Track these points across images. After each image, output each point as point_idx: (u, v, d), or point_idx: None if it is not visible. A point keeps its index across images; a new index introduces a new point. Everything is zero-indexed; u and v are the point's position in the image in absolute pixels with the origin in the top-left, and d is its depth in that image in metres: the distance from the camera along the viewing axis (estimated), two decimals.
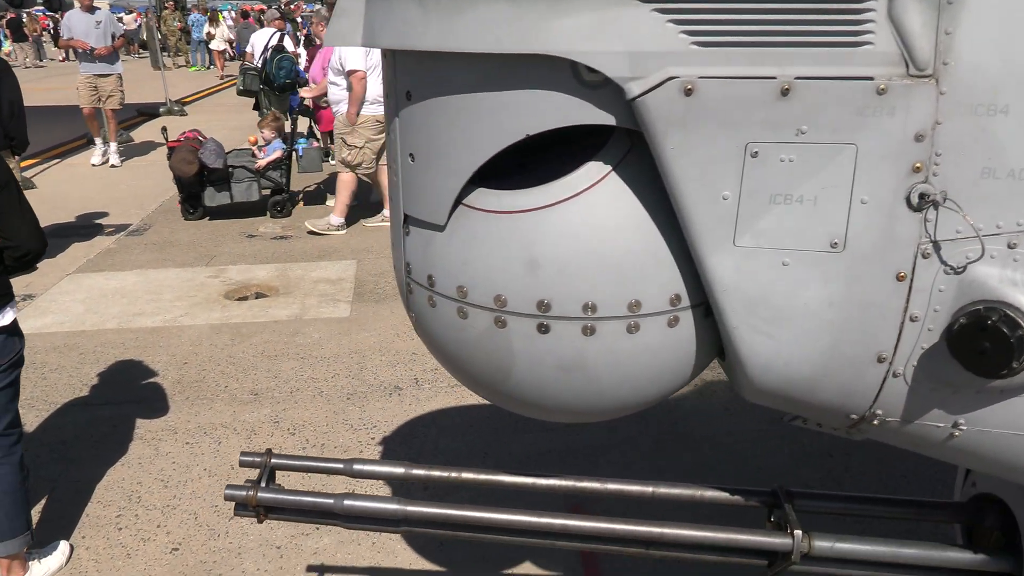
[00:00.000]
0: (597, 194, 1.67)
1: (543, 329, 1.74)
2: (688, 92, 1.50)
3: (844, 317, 1.65)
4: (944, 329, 1.60)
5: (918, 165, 1.52)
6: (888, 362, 1.68)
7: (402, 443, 4.84)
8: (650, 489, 2.40)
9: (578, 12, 1.49)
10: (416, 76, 1.72)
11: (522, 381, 1.83)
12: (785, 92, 1.49)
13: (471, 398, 5.33)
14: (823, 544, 2.20)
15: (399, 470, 2.38)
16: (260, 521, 2.33)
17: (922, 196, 1.53)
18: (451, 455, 4.71)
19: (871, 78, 1.48)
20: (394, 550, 3.94)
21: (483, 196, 1.74)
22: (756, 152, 1.54)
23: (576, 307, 1.70)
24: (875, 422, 1.80)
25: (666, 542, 2.28)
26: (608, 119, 1.60)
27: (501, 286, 1.73)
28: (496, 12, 1.52)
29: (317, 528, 4.06)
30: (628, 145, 1.69)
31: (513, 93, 1.60)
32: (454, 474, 2.37)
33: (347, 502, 2.24)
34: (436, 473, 2.38)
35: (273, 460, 2.37)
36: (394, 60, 1.78)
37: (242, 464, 2.39)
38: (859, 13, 1.46)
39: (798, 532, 2.19)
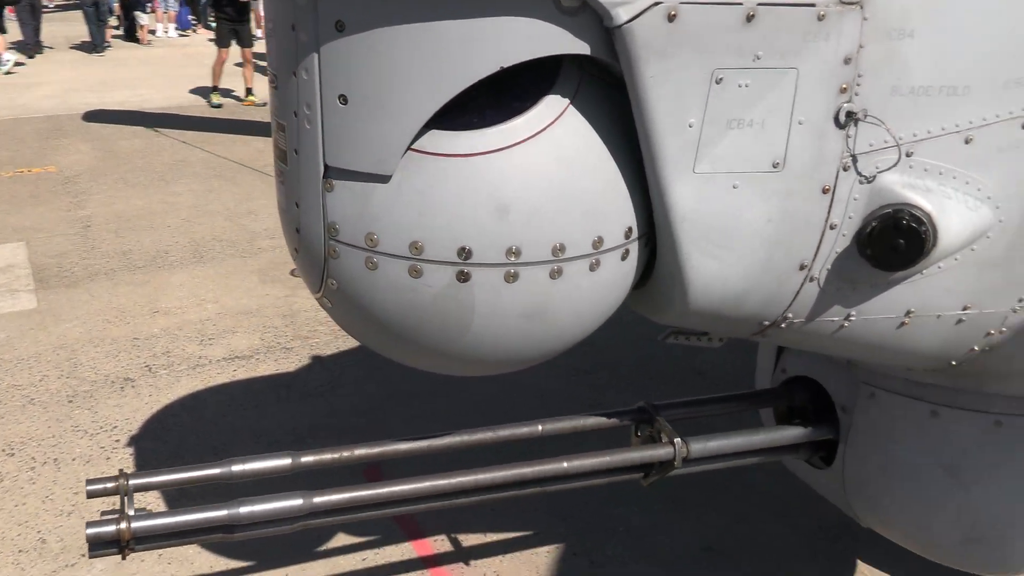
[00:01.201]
0: (560, 129, 1.60)
1: (511, 278, 1.64)
2: (671, 18, 1.49)
3: (778, 232, 1.78)
4: (856, 232, 1.80)
5: (844, 86, 1.67)
6: (808, 268, 1.85)
7: (156, 439, 4.28)
8: (539, 428, 2.41)
9: None
10: (354, 3, 1.48)
11: (478, 337, 1.72)
12: (750, 18, 1.55)
13: (220, 376, 4.89)
14: (697, 446, 2.40)
15: (285, 461, 2.11)
16: (124, 557, 1.93)
17: (848, 114, 1.69)
18: (228, 440, 4.29)
19: (813, 5, 1.59)
20: (187, 557, 3.52)
21: (438, 139, 1.57)
22: (721, 79, 1.58)
23: (546, 250, 1.63)
24: (783, 325, 1.98)
25: (561, 475, 2.32)
26: (583, 48, 1.53)
27: (466, 236, 1.59)
28: None
29: (82, 556, 3.48)
30: (578, 77, 1.63)
31: (486, 20, 1.45)
32: (346, 453, 2.16)
33: (245, 508, 1.94)
34: (327, 456, 2.15)
35: (132, 482, 1.96)
36: None
37: (90, 495, 1.96)
38: None
39: (677, 440, 2.36)
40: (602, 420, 2.48)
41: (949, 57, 1.70)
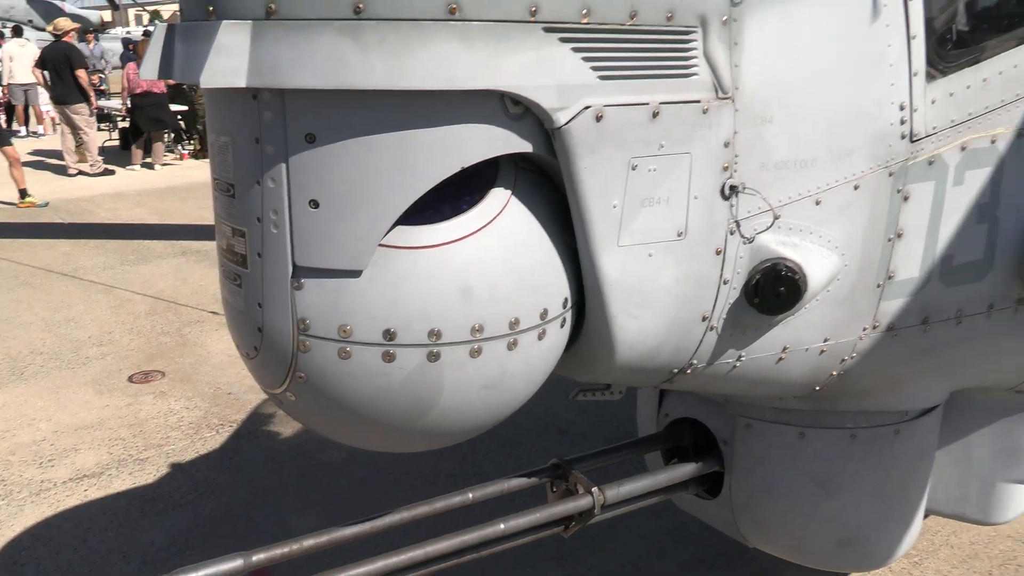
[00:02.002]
0: (506, 218, 1.81)
1: (476, 353, 1.80)
2: (599, 119, 1.75)
3: (685, 291, 2.07)
4: (744, 285, 2.14)
5: (726, 165, 2.01)
6: (708, 319, 2.16)
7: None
8: (469, 495, 2.54)
9: (519, 51, 1.62)
10: (325, 117, 1.62)
11: (444, 412, 1.86)
12: (655, 115, 1.85)
13: (70, 499, 4.53)
14: (612, 492, 2.63)
15: (237, 563, 2.10)
16: None
17: (731, 188, 2.03)
18: (96, 567, 3.97)
19: (699, 101, 1.92)
20: None
21: (405, 234, 1.72)
22: (635, 165, 1.86)
23: (505, 325, 1.81)
24: (688, 371, 2.27)
25: (495, 539, 2.47)
26: (528, 147, 1.76)
27: (435, 319, 1.74)
28: (449, 51, 1.56)
29: None
30: (515, 171, 1.86)
31: (449, 128, 1.64)
32: (296, 546, 2.19)
33: None
34: (278, 551, 2.16)
35: None
36: (280, 101, 1.63)
37: None
38: (688, 52, 1.88)
39: (595, 489, 2.58)
40: (524, 480, 2.65)
41: (799, 137, 2.09)
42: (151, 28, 22.12)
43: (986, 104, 2.43)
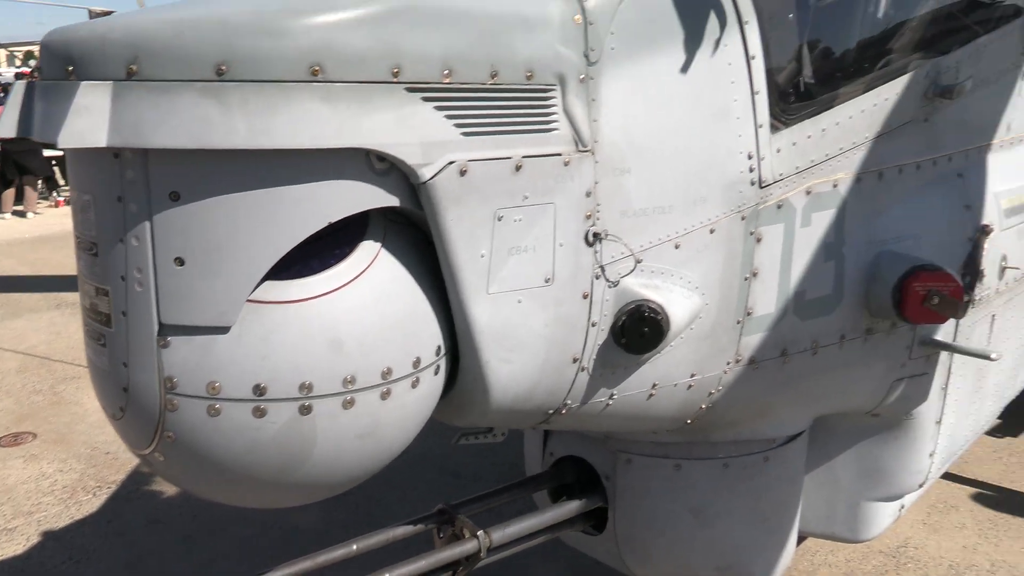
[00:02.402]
0: (376, 269, 1.85)
1: (348, 404, 1.82)
2: (463, 173, 1.83)
3: (554, 334, 2.15)
4: (611, 327, 2.24)
5: (589, 213, 2.12)
6: (579, 361, 2.24)
7: None
8: (353, 547, 2.53)
9: (383, 109, 1.68)
10: (189, 176, 1.62)
11: (317, 464, 1.86)
12: (518, 168, 1.94)
13: None
14: (498, 535, 2.67)
15: None
16: None
17: (595, 235, 2.13)
18: None
19: (560, 154, 2.02)
20: None
21: (273, 289, 1.73)
22: (501, 216, 1.94)
23: (377, 375, 1.84)
24: (563, 412, 2.35)
25: None
26: (394, 201, 1.81)
27: (306, 372, 1.75)
28: (313, 111, 1.60)
29: None
30: (384, 223, 1.91)
31: (314, 185, 1.68)
32: None
33: None
34: None
35: None
36: (143, 160, 1.62)
37: None
38: (549, 108, 1.99)
39: (480, 533, 2.62)
40: (410, 528, 2.66)
41: (656, 186, 2.23)
42: (26, 68, 21.16)
43: (826, 152, 2.65)
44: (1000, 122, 3.60)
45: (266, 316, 1.74)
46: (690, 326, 2.40)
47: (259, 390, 1.74)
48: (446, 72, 1.79)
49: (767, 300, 2.59)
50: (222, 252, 1.68)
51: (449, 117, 1.81)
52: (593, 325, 2.22)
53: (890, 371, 3.13)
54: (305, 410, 1.78)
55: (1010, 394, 4.22)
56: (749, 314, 2.56)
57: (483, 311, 1.99)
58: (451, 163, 1.81)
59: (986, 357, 3.11)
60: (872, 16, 2.92)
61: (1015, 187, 3.65)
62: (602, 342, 2.26)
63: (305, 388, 1.77)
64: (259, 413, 1.76)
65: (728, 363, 2.59)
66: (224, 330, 1.71)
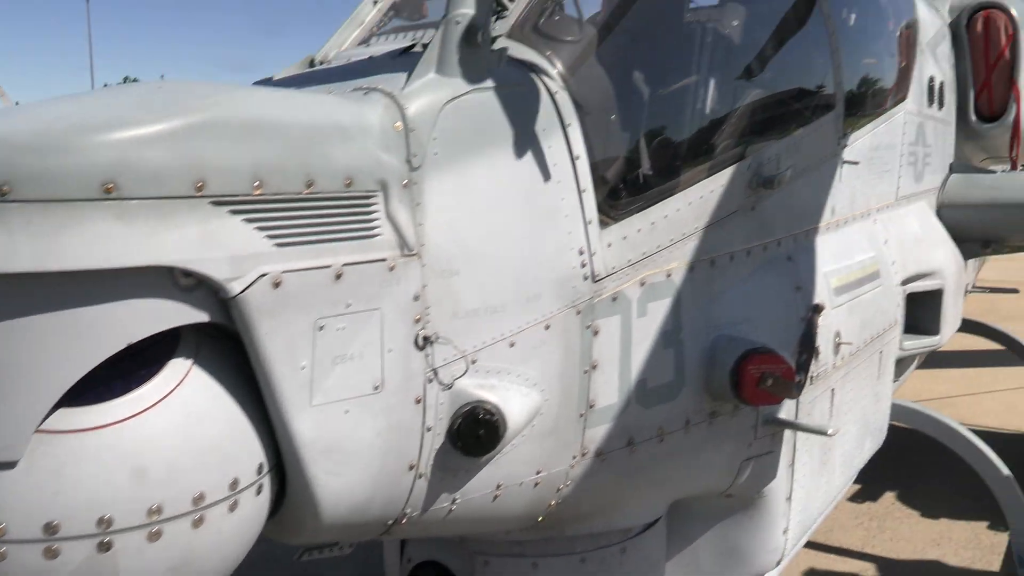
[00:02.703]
0: (187, 389, 1.75)
1: (154, 536, 1.68)
2: (276, 285, 1.77)
3: (387, 442, 2.09)
4: (447, 431, 2.19)
5: (418, 317, 2.09)
6: (416, 468, 2.18)
7: None
8: None
9: (186, 224, 1.62)
10: None
11: None
12: (339, 276, 1.90)
13: None
14: None
15: None
16: None
17: (425, 338, 2.11)
18: None
19: (385, 259, 2.00)
20: None
21: (67, 416, 1.61)
22: (322, 326, 1.89)
23: (187, 503, 1.72)
24: (404, 521, 2.26)
25: None
26: (203, 316, 1.73)
27: (105, 506, 1.62)
28: (105, 229, 1.53)
29: None
30: (196, 339, 1.82)
31: (110, 305, 1.58)
32: None
33: None
34: None
35: None
36: None
37: None
38: (371, 214, 1.98)
39: None
40: None
41: (487, 286, 2.24)
42: None
43: (658, 243, 2.75)
44: (824, 206, 3.86)
45: (58, 447, 1.61)
46: (531, 423, 2.39)
47: (50, 529, 1.59)
48: (256, 184, 1.76)
49: (609, 391, 2.62)
50: (7, 380, 1.55)
51: (261, 229, 1.77)
52: (428, 430, 2.18)
53: (738, 451, 3.21)
54: (104, 547, 1.64)
55: (859, 462, 4.41)
56: (592, 407, 2.57)
57: (307, 424, 1.91)
58: (263, 275, 1.76)
59: (823, 433, 3.24)
60: (695, 113, 3.09)
61: (842, 266, 3.90)
62: (439, 446, 2.21)
63: (104, 523, 1.63)
64: (51, 554, 1.60)
65: (574, 457, 2.58)
66: (10, 465, 1.57)
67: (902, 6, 5.14)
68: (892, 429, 4.69)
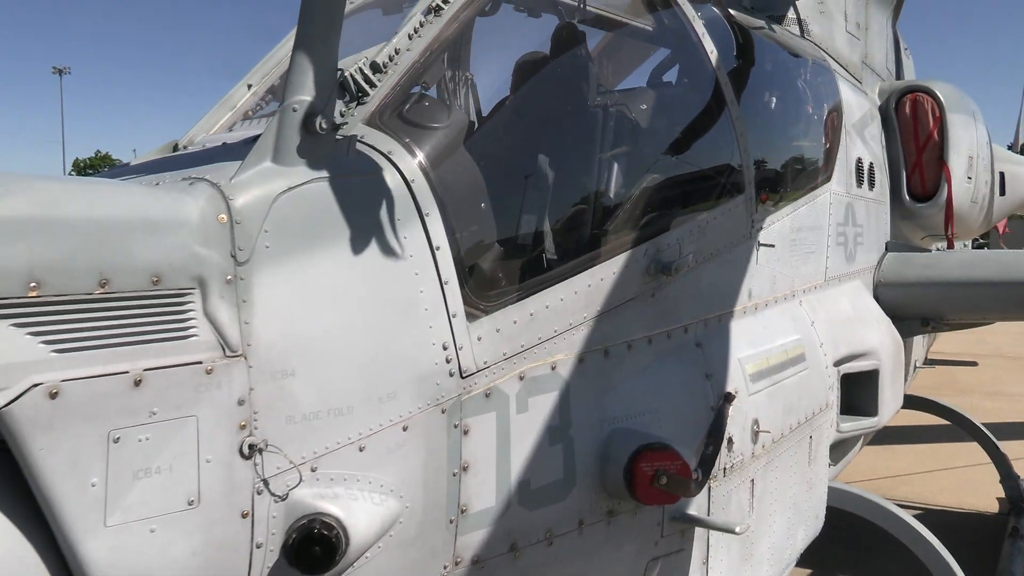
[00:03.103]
0: None
1: None
2: (53, 395, 1.61)
3: (207, 563, 1.89)
4: (282, 546, 2.00)
5: (243, 423, 1.93)
6: None
7: None
8: None
9: None
10: None
11: None
12: (138, 383, 1.74)
13: None
14: None
15: None
16: None
17: (251, 446, 1.94)
18: None
19: (201, 362, 1.85)
20: None
21: None
22: (118, 437, 1.72)
23: None
24: None
25: None
26: None
27: None
28: None
29: None
30: None
31: None
32: None
33: None
34: None
35: None
36: None
37: None
38: (184, 313, 1.83)
39: None
40: None
41: (329, 387, 2.08)
42: None
43: (539, 335, 2.61)
44: (739, 290, 3.76)
45: None
46: (388, 533, 2.21)
47: None
48: (32, 285, 1.62)
49: (485, 494, 2.44)
50: None
51: (35, 334, 1.62)
52: (259, 547, 1.99)
53: (643, 551, 3.02)
54: None
55: (791, 553, 4.21)
56: (464, 511, 2.39)
57: (100, 548, 1.72)
58: (36, 386, 1.61)
59: (730, 531, 3.06)
60: (580, 200, 3.01)
61: (761, 351, 3.77)
62: (273, 564, 2.02)
63: None
64: None
65: (445, 566, 2.39)
66: None
67: (823, 90, 5.17)
68: (842, 512, 4.54)
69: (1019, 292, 5.62)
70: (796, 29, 5.43)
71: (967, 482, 8.22)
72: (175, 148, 2.93)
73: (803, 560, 5.30)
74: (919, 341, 7.36)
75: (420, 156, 2.36)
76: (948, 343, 13.05)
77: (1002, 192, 8.90)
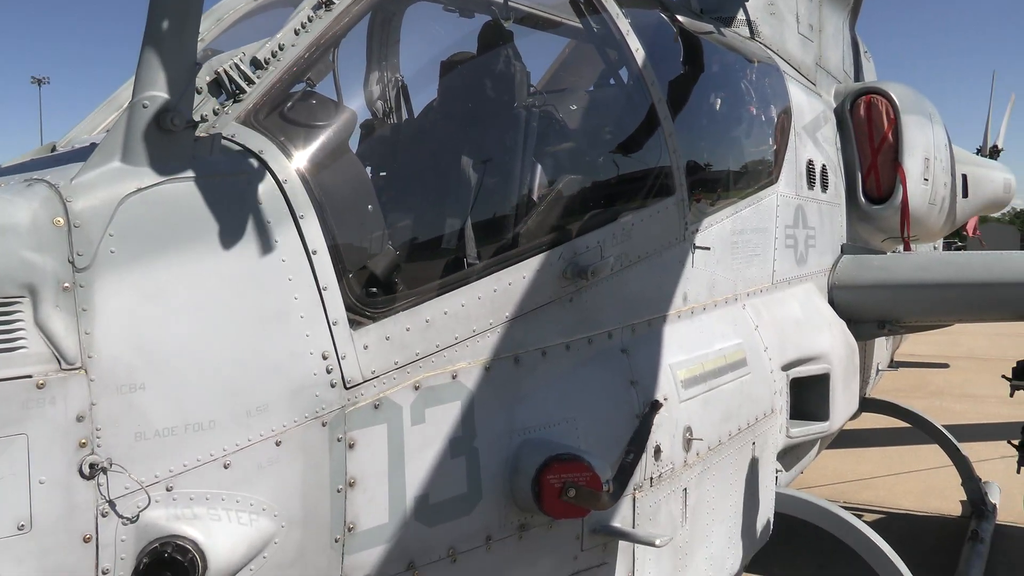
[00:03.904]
0: None
1: None
2: None
3: None
4: (132, 572, 1.87)
5: (83, 441, 1.80)
6: None
7: None
8: None
9: None
10: None
11: None
12: None
13: None
14: None
15: None
16: None
17: (92, 466, 1.81)
18: None
19: (31, 376, 1.72)
20: None
21: None
22: None
23: None
24: None
25: None
26: None
27: None
28: None
29: None
30: None
31: None
32: None
33: None
34: None
35: None
36: None
37: None
38: (10, 324, 1.71)
39: None
40: None
41: (187, 400, 1.96)
42: None
43: (437, 342, 2.49)
44: (672, 294, 3.65)
45: None
46: (261, 555, 2.08)
47: None
48: None
49: (375, 510, 2.32)
50: None
51: None
52: (104, 573, 1.86)
53: (560, 567, 2.90)
54: None
55: (733, 563, 4.09)
56: (351, 529, 2.27)
57: None
58: None
59: (651, 544, 2.94)
60: (482, 200, 2.89)
61: (695, 356, 3.66)
62: None
63: None
64: None
65: None
66: None
67: (770, 92, 5.09)
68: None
69: (973, 294, 5.56)
70: (746, 31, 5.35)
71: (931, 486, 8.15)
72: (53, 149, 2.80)
73: (760, 567, 5.20)
74: (881, 344, 7.28)
75: (296, 155, 2.24)
76: (921, 345, 13.02)
77: (964, 194, 8.87)
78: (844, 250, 6.03)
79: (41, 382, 1.73)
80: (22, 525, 1.72)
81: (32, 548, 1.74)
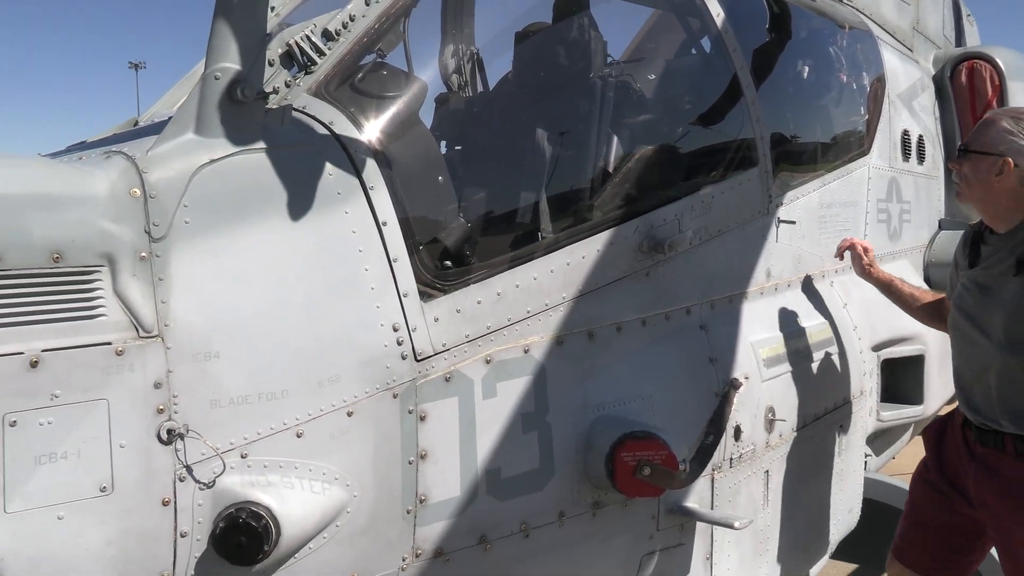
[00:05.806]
0: None
1: None
2: None
3: (124, 552, 1.82)
4: (210, 535, 1.92)
5: (161, 407, 1.85)
6: None
7: None
8: None
9: None
10: None
11: None
12: (34, 364, 1.67)
13: None
14: None
15: None
16: None
17: (170, 431, 1.86)
18: None
19: (111, 343, 1.77)
20: None
21: None
22: (15, 421, 1.65)
23: None
24: None
25: None
26: None
27: None
28: None
29: None
30: None
31: None
32: None
33: None
34: None
35: None
36: None
37: None
38: (90, 292, 1.76)
39: None
40: None
41: (260, 370, 1.98)
42: None
43: (508, 316, 2.47)
44: (754, 269, 3.52)
45: None
46: (334, 523, 2.10)
47: None
48: None
49: (447, 483, 2.32)
50: None
51: None
52: (183, 536, 1.91)
53: (636, 546, 2.85)
54: None
55: (816, 550, 3.96)
56: (423, 501, 2.27)
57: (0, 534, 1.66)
58: None
59: (729, 525, 2.86)
60: (556, 172, 2.83)
61: (778, 334, 3.53)
62: (200, 554, 1.94)
63: None
64: None
65: (404, 559, 2.28)
66: None
67: (863, 58, 4.85)
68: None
69: None
70: None
71: None
72: (135, 124, 2.88)
73: (846, 555, 5.02)
74: None
75: (366, 126, 2.24)
76: None
77: None
78: (942, 225, 5.72)
79: (120, 349, 1.78)
80: (104, 487, 1.78)
81: (114, 510, 1.80)
